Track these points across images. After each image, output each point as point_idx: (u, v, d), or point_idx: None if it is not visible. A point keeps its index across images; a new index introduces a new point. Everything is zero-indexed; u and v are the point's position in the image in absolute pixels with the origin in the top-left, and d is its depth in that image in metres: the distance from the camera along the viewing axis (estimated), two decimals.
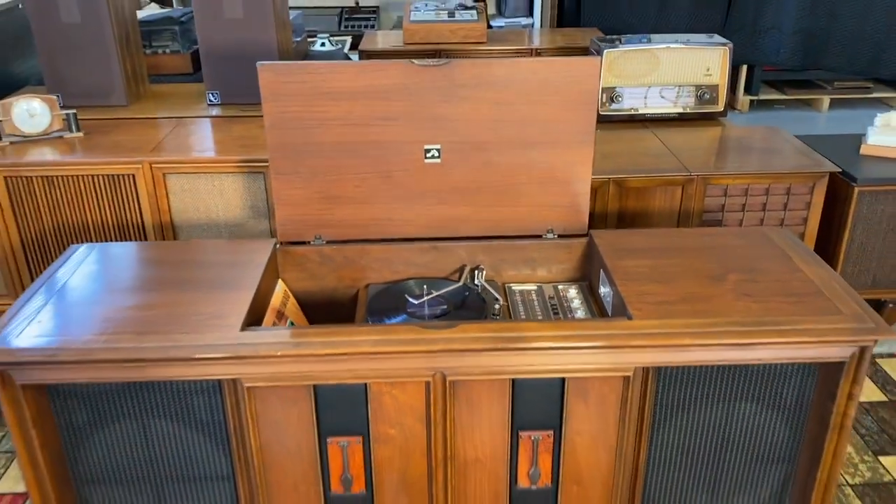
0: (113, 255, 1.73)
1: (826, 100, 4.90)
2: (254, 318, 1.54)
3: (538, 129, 1.71)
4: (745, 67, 4.83)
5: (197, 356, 1.37)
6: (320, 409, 1.46)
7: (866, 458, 2.03)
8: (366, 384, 1.43)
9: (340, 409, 1.46)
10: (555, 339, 1.40)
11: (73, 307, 1.51)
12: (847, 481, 1.95)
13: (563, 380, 1.45)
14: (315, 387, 1.43)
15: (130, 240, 2.23)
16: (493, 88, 1.66)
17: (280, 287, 1.77)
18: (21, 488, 1.95)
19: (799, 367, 1.50)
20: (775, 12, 4.56)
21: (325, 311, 1.83)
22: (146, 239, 2.23)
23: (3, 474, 2.00)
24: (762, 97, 4.94)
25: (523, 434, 1.50)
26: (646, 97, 2.67)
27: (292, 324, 1.74)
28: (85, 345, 1.39)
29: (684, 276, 1.60)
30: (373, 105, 1.67)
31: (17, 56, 3.08)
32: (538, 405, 1.48)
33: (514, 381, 1.45)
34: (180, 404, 1.49)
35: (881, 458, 2.03)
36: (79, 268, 1.67)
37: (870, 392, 2.29)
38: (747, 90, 4.90)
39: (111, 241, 2.22)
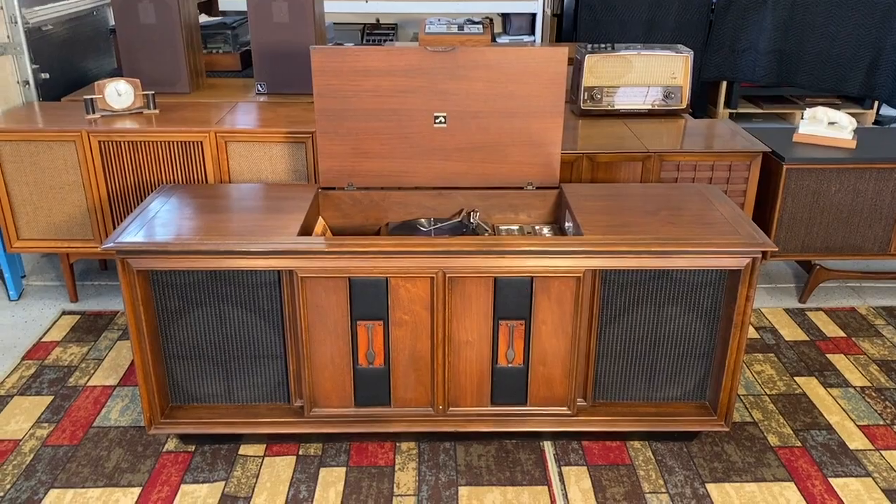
0: (194, 192, 2.27)
1: (798, 114, 5.42)
2: (304, 234, 2.06)
3: (520, 103, 2.24)
4: (724, 84, 5.37)
5: (267, 249, 1.90)
6: (353, 297, 1.98)
7: (784, 377, 2.53)
8: (387, 278, 1.95)
9: (368, 298, 1.98)
10: (526, 246, 1.92)
11: (170, 222, 2.04)
12: (766, 392, 2.44)
13: (531, 279, 1.96)
14: (350, 279, 1.95)
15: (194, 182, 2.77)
16: (486, 70, 2.20)
17: (320, 222, 2.30)
18: (108, 382, 2.47)
19: (712, 275, 2.01)
20: (752, 34, 5.10)
21: None
22: (206, 180, 2.76)
23: (93, 374, 2.52)
24: (741, 111, 5.47)
25: (502, 322, 2.02)
26: (621, 96, 3.21)
27: None
28: (182, 241, 1.92)
29: (628, 212, 2.12)
30: (395, 81, 2.21)
31: (92, 54, 3.66)
32: (514, 299, 1.99)
33: (496, 279, 1.96)
34: (248, 294, 2.02)
35: (795, 378, 2.53)
36: (170, 199, 2.21)
37: (797, 334, 2.78)
38: (727, 104, 5.43)
39: None
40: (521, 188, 2.34)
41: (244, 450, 2.18)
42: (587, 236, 1.96)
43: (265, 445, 2.19)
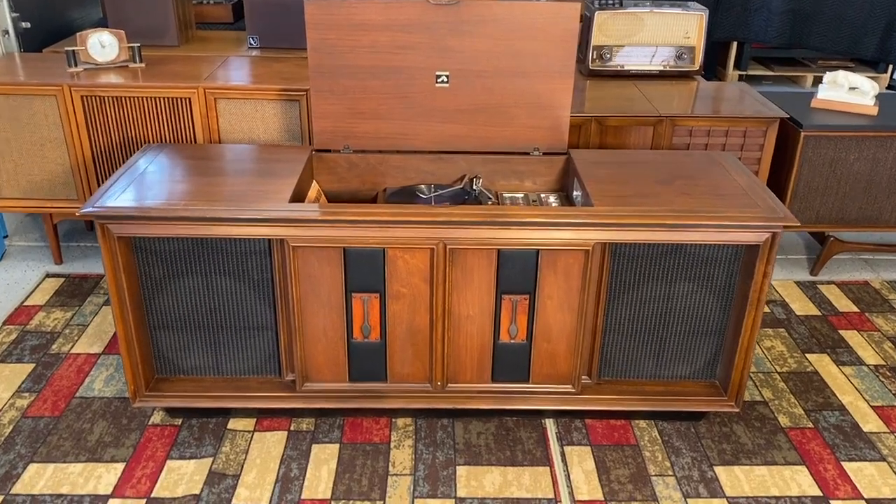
0: (181, 152, 2.14)
1: (810, 77, 5.27)
2: (296, 200, 1.94)
3: (528, 62, 2.10)
4: (735, 44, 5.19)
5: (257, 217, 1.78)
6: (348, 268, 1.87)
7: (795, 354, 2.43)
8: (384, 249, 1.84)
9: (363, 269, 1.87)
10: (532, 216, 1.80)
11: (154, 184, 1.92)
12: (776, 369, 2.35)
13: (537, 251, 1.85)
14: (345, 249, 1.84)
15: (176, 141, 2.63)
16: (492, 25, 2.06)
17: (314, 186, 2.18)
18: (93, 350, 2.37)
19: (728, 250, 1.90)
20: None
21: None
22: (195, 140, 2.63)
23: (77, 340, 2.42)
24: (751, 73, 5.30)
25: (505, 296, 1.91)
26: (631, 56, 3.06)
27: None
28: (168, 206, 1.80)
29: (639, 181, 2.00)
30: (394, 36, 2.06)
31: (76, 3, 3.48)
32: (518, 272, 1.88)
33: (499, 251, 1.85)
34: (237, 263, 1.90)
35: (807, 355, 2.43)
36: (155, 159, 2.08)
37: (808, 309, 2.69)
38: (737, 66, 5.27)
39: None
40: (527, 153, 2.22)
41: (233, 424, 2.09)
42: (597, 207, 1.84)
43: (255, 420, 2.10)
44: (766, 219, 1.81)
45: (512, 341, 1.97)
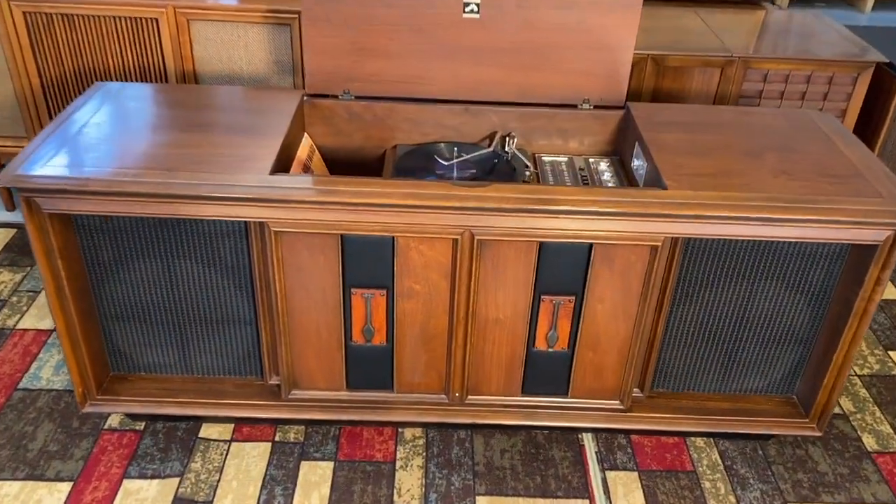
0: (139, 94, 1.70)
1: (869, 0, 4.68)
2: (280, 167, 1.51)
3: None
4: None
5: (227, 195, 1.35)
6: (347, 259, 1.46)
7: (877, 351, 2.05)
8: (393, 237, 1.43)
9: (366, 261, 1.46)
10: (586, 203, 1.38)
11: (100, 142, 1.49)
12: (856, 372, 1.98)
13: (590, 245, 1.44)
14: (343, 236, 1.43)
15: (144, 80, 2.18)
16: None
17: (306, 140, 1.74)
18: (44, 325, 1.99)
19: (830, 247, 1.48)
20: None
21: (350, 169, 1.81)
22: (166, 79, 2.18)
23: (26, 311, 2.04)
24: None
25: (545, 298, 1.51)
26: None
27: None
28: (114, 176, 1.37)
29: (721, 152, 1.56)
30: None
31: None
32: (563, 270, 1.48)
33: (541, 244, 1.44)
34: (206, 246, 1.49)
35: (890, 353, 2.05)
36: (104, 104, 1.63)
37: (888, 291, 2.29)
38: None
39: None
40: (575, 106, 1.77)
41: (207, 431, 1.72)
42: (672, 191, 1.42)
43: (233, 426, 1.74)
44: (892, 214, 1.39)
45: (550, 350, 1.58)
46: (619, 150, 1.79)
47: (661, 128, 1.64)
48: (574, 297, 1.51)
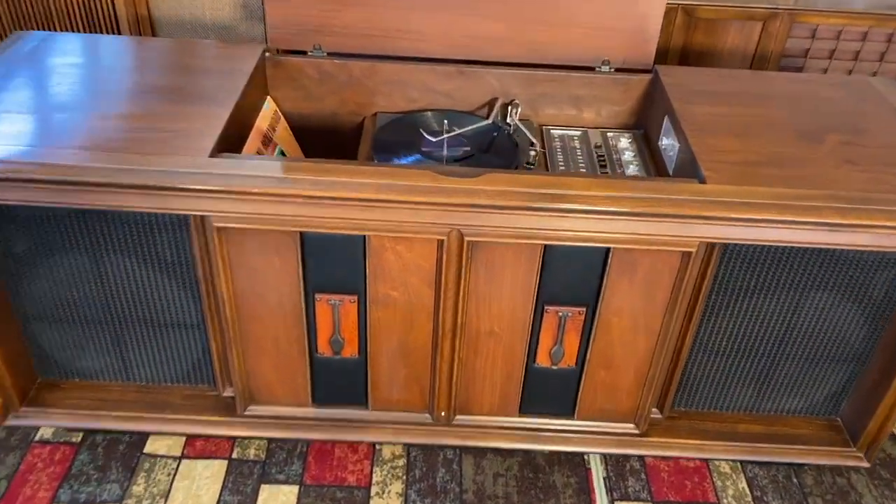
0: (63, 48, 1.41)
1: None
2: (231, 143, 1.24)
3: None
4: None
5: (154, 184, 1.08)
6: (308, 261, 1.20)
7: None
8: (364, 236, 1.16)
9: (332, 263, 1.20)
10: (604, 202, 1.10)
11: (8, 111, 1.21)
12: None
13: (607, 250, 1.17)
14: (302, 234, 1.16)
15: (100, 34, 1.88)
16: None
17: (269, 106, 1.46)
18: None
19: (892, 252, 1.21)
20: None
21: (322, 139, 1.53)
22: (119, 34, 1.88)
23: None
24: None
25: (550, 308, 1.25)
26: None
27: (282, 152, 1.44)
28: (23, 158, 1.10)
29: (771, 132, 1.27)
30: None
31: None
32: (572, 277, 1.21)
33: (546, 247, 1.17)
34: (140, 239, 1.23)
35: None
36: (17, 62, 1.35)
37: None
38: None
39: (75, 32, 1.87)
40: (592, 69, 1.47)
41: (153, 444, 1.49)
42: (712, 186, 1.14)
43: (184, 439, 1.50)
44: None
45: (554, 367, 1.32)
46: (643, 123, 1.50)
47: (697, 98, 1.35)
48: (585, 309, 1.25)
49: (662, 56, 1.83)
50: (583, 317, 1.25)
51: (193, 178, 1.09)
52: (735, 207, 1.10)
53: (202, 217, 1.15)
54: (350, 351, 1.31)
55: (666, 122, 1.36)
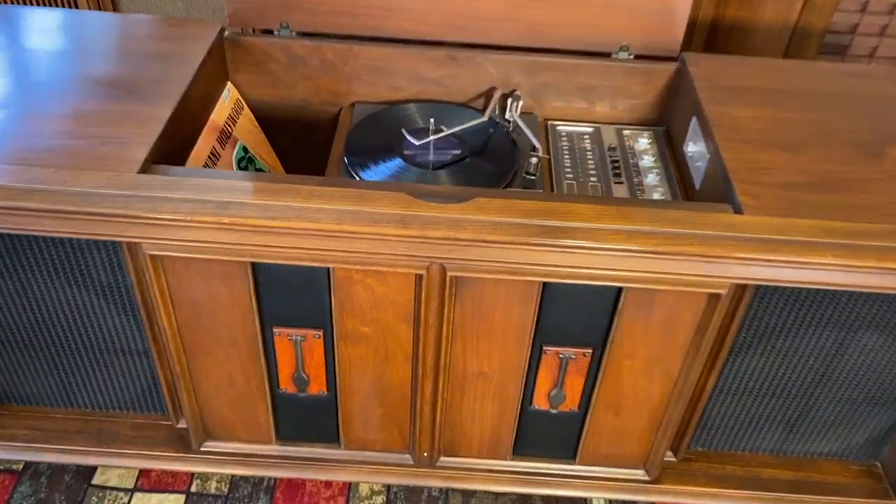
0: None
1: None
2: (175, 145, 1.04)
3: None
4: None
5: (69, 209, 0.89)
6: (263, 292, 1.01)
7: None
8: (328, 269, 0.96)
9: (292, 295, 1.01)
10: (617, 237, 0.90)
11: None
12: None
13: (619, 290, 0.97)
14: (254, 265, 0.97)
15: (50, 5, 1.66)
16: None
17: (229, 94, 1.25)
18: None
19: None
20: None
21: (293, 133, 1.33)
22: (75, 3, 1.66)
23: None
24: None
25: (549, 350, 1.06)
26: None
27: (243, 149, 1.24)
28: None
29: (821, 143, 1.06)
30: None
31: None
32: (576, 316, 1.02)
33: (545, 285, 0.97)
34: (69, 260, 1.04)
35: None
36: None
37: None
38: None
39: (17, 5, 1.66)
40: (608, 55, 1.25)
41: (104, 475, 1.33)
42: (750, 217, 0.93)
43: (138, 469, 1.34)
44: None
45: (552, 411, 1.14)
46: (665, 119, 1.29)
47: (732, 97, 1.13)
48: (591, 351, 1.06)
49: (688, 33, 1.59)
50: (588, 359, 1.07)
51: (115, 202, 0.89)
52: (778, 247, 0.90)
53: (133, 244, 0.96)
54: (317, 388, 1.13)
55: (694, 124, 1.14)
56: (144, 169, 0.95)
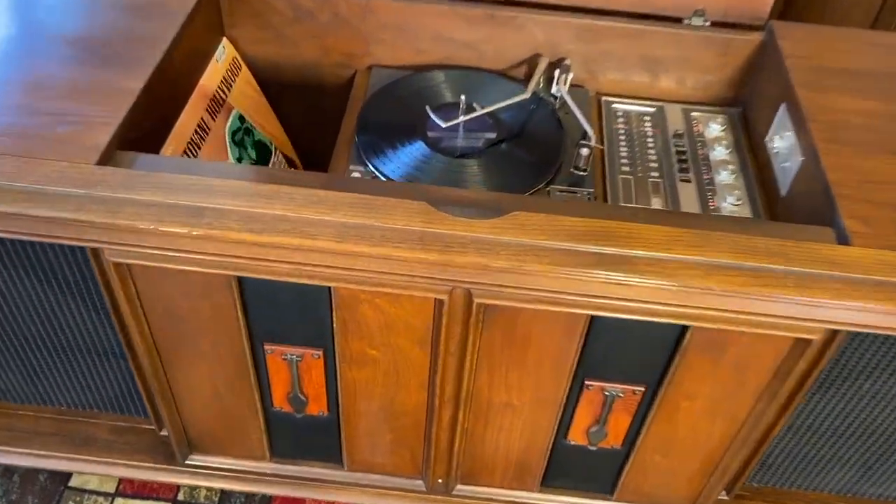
0: None
1: None
2: (149, 120, 0.86)
3: None
4: None
5: (12, 212, 0.72)
6: (250, 307, 0.84)
7: None
8: (329, 288, 0.79)
9: (286, 313, 0.84)
10: (688, 272, 0.71)
11: None
12: None
13: (683, 329, 0.79)
14: (240, 279, 0.79)
15: None
16: None
17: (224, 53, 1.06)
18: None
19: None
20: None
21: (299, 99, 1.13)
22: None
23: None
24: None
25: (592, 384, 0.88)
26: None
27: (239, 119, 1.05)
28: None
29: None
30: None
31: None
32: (627, 352, 0.84)
33: (592, 318, 0.79)
34: (30, 254, 0.88)
35: None
36: None
37: None
38: None
39: None
40: (679, 21, 1.03)
41: (81, 479, 1.20)
42: (858, 251, 0.74)
43: (118, 479, 1.21)
44: None
45: (591, 447, 0.97)
46: (744, 100, 1.07)
47: (834, 81, 0.92)
48: (643, 389, 0.88)
49: None
50: (638, 397, 0.89)
51: (66, 203, 0.72)
52: (890, 291, 0.71)
53: (96, 251, 0.79)
54: (316, 408, 0.97)
55: (782, 112, 0.93)
56: (106, 157, 0.77)
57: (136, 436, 1.11)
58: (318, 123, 1.14)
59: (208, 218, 0.72)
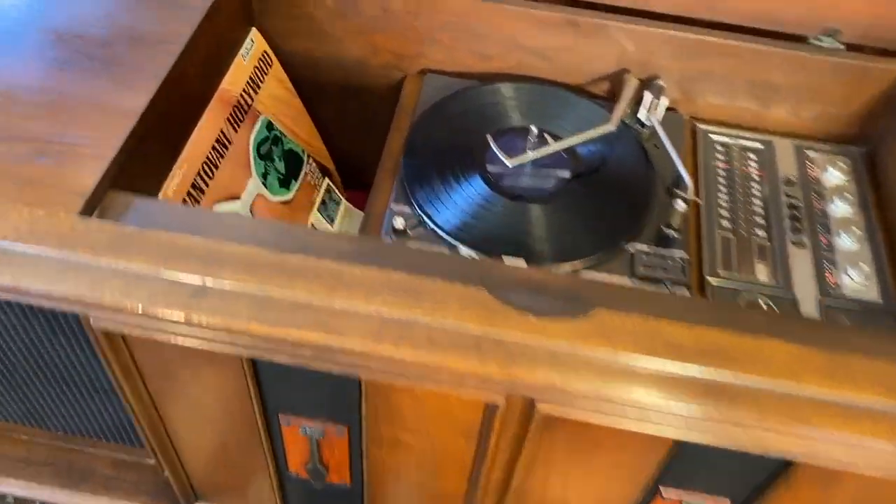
0: None
1: None
2: (153, 144, 0.71)
3: None
4: None
5: None
6: (265, 383, 0.70)
7: None
8: (359, 380, 0.64)
9: (306, 391, 0.70)
10: (828, 418, 0.55)
11: None
12: None
13: (784, 463, 0.63)
14: (255, 362, 0.65)
15: None
16: None
17: (253, 46, 0.89)
18: None
19: None
20: None
21: (338, 101, 0.97)
22: None
23: None
24: None
25: (668, 492, 0.73)
26: None
27: (267, 126, 0.90)
28: None
29: None
30: None
31: None
32: (717, 472, 0.69)
33: (677, 444, 0.64)
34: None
35: None
36: None
37: None
38: None
39: None
40: (804, 39, 0.84)
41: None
42: None
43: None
44: None
45: None
46: (871, 139, 0.88)
47: None
48: (728, 503, 0.73)
49: None
50: None
51: (38, 268, 0.57)
52: None
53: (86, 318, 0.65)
54: (338, 478, 0.84)
55: None
56: (94, 201, 0.62)
57: (138, 473, 1.00)
58: (359, 130, 0.99)
59: (212, 300, 0.57)
